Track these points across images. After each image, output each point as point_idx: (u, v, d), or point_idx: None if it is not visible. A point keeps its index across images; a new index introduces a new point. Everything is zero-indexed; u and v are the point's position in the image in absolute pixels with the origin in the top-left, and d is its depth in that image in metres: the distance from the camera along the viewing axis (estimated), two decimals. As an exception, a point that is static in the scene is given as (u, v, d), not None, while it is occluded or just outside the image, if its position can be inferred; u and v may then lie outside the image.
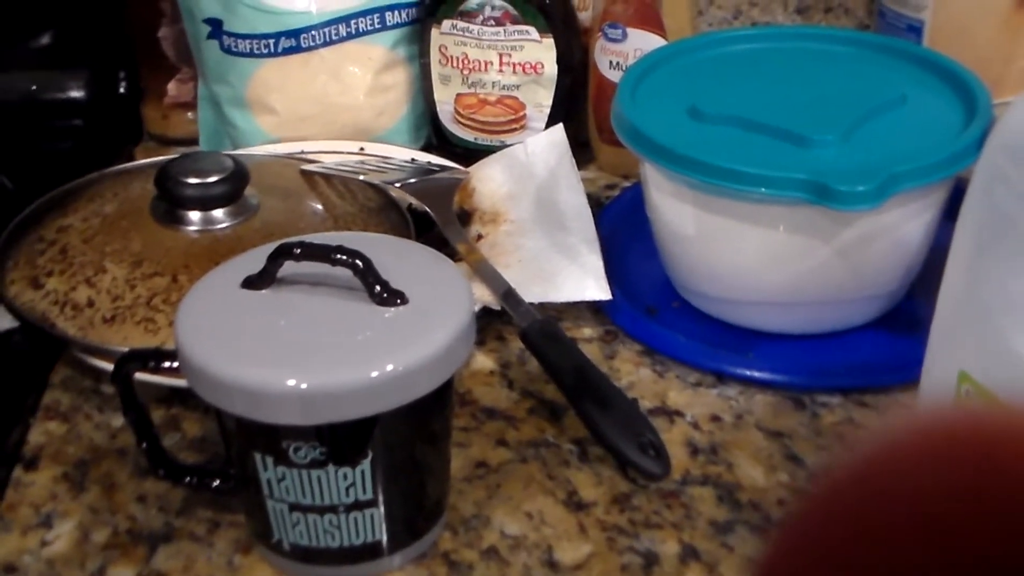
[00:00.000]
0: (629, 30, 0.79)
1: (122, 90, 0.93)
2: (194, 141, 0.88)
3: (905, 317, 0.68)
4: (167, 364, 0.53)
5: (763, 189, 0.59)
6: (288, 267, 0.52)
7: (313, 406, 0.48)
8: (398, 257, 0.53)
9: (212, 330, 0.50)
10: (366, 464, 0.50)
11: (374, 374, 0.48)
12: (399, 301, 0.51)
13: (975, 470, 0.19)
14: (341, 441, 0.49)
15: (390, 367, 0.48)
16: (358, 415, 0.49)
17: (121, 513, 0.58)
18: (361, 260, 0.50)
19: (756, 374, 0.64)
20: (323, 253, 0.50)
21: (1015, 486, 0.19)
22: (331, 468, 0.50)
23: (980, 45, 0.81)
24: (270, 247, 0.52)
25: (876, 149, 0.61)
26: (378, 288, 0.50)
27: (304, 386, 0.47)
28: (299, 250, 0.51)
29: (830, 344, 0.66)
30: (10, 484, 0.60)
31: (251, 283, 0.52)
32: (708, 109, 0.66)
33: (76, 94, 0.91)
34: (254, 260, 0.53)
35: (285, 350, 0.49)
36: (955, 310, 0.48)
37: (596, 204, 0.75)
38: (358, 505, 0.51)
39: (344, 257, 0.50)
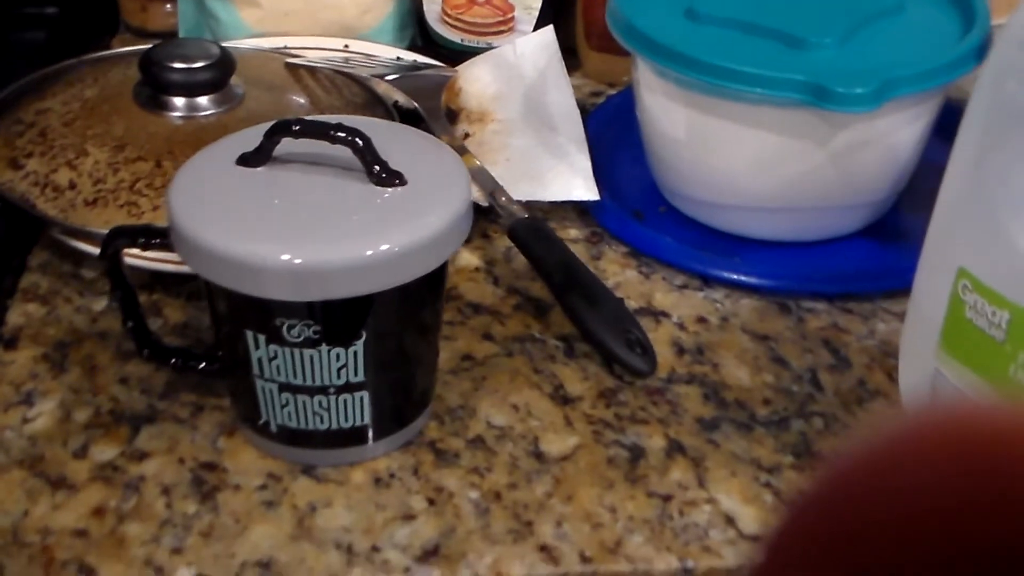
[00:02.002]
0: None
1: (98, -21, 0.91)
2: (173, 34, 0.86)
3: (891, 228, 0.68)
4: (156, 240, 0.53)
5: (760, 89, 0.59)
6: (284, 146, 0.51)
7: (307, 282, 0.47)
8: (396, 141, 0.52)
9: (206, 205, 0.49)
10: (359, 345, 0.49)
11: (369, 252, 0.47)
12: (397, 182, 0.50)
13: (971, 466, 0.19)
14: (335, 320, 0.49)
15: (385, 246, 0.47)
16: (352, 293, 0.48)
17: (103, 394, 0.57)
18: (361, 138, 0.49)
19: (742, 278, 0.64)
20: (322, 130, 0.50)
21: (1012, 481, 0.19)
22: (324, 348, 0.49)
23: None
24: (265, 126, 0.52)
25: (874, 54, 0.61)
26: (376, 168, 0.50)
27: (298, 261, 0.47)
28: (297, 127, 0.50)
29: (816, 251, 0.66)
30: (-11, 362, 0.59)
31: (246, 160, 0.51)
32: (705, 10, 0.65)
33: (50, -19, 0.88)
34: (249, 138, 0.52)
35: (281, 226, 0.48)
36: (956, 207, 0.48)
37: (582, 110, 0.74)
38: (348, 387, 0.51)
39: (343, 135, 0.49)
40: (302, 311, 0.48)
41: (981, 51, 0.61)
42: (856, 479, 0.20)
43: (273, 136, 0.50)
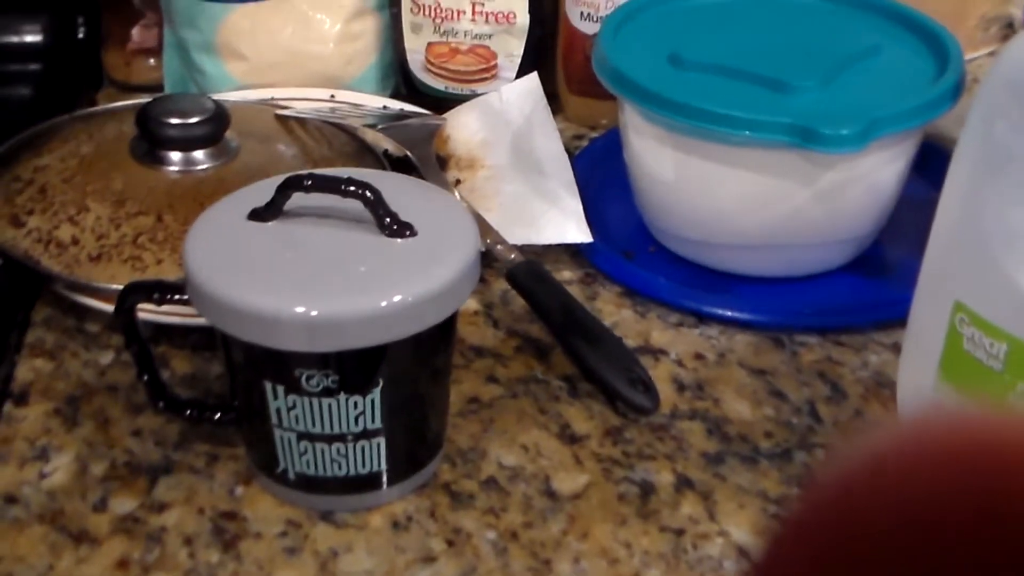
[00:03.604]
0: (600, -19, 0.80)
1: (81, 35, 0.92)
2: (158, 88, 0.87)
3: (875, 261, 0.70)
4: (171, 296, 0.54)
5: (748, 132, 0.61)
6: (294, 200, 0.52)
7: (323, 333, 0.49)
8: (404, 192, 0.54)
9: (222, 259, 0.51)
10: (376, 393, 0.51)
11: (384, 303, 0.49)
12: (408, 233, 0.51)
13: (970, 475, 0.19)
14: (352, 369, 0.50)
15: (398, 297, 0.49)
16: (368, 343, 0.49)
17: (118, 447, 0.58)
18: (371, 191, 0.51)
19: (736, 315, 0.66)
20: (334, 184, 0.51)
21: (1010, 491, 0.19)
22: (342, 396, 0.50)
23: (933, 7, 0.84)
24: (275, 180, 0.53)
25: (856, 96, 0.63)
26: (388, 220, 0.51)
27: (315, 313, 0.48)
28: (309, 181, 0.51)
29: (805, 287, 0.69)
30: (1, 419, 0.59)
31: (258, 215, 0.52)
32: (689, 56, 0.67)
33: (33, 39, 0.90)
34: (258, 193, 0.53)
35: (296, 278, 0.50)
36: (950, 243, 0.50)
37: (566, 153, 0.76)
38: (366, 434, 0.52)
39: (354, 188, 0.51)
40: (320, 361, 0.50)
41: (957, 90, 0.63)
42: (850, 493, 0.20)
43: (285, 191, 0.52)
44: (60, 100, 0.85)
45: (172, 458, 0.57)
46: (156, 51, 0.88)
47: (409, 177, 0.60)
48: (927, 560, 0.19)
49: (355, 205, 0.51)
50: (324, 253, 0.51)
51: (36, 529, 0.53)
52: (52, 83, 0.88)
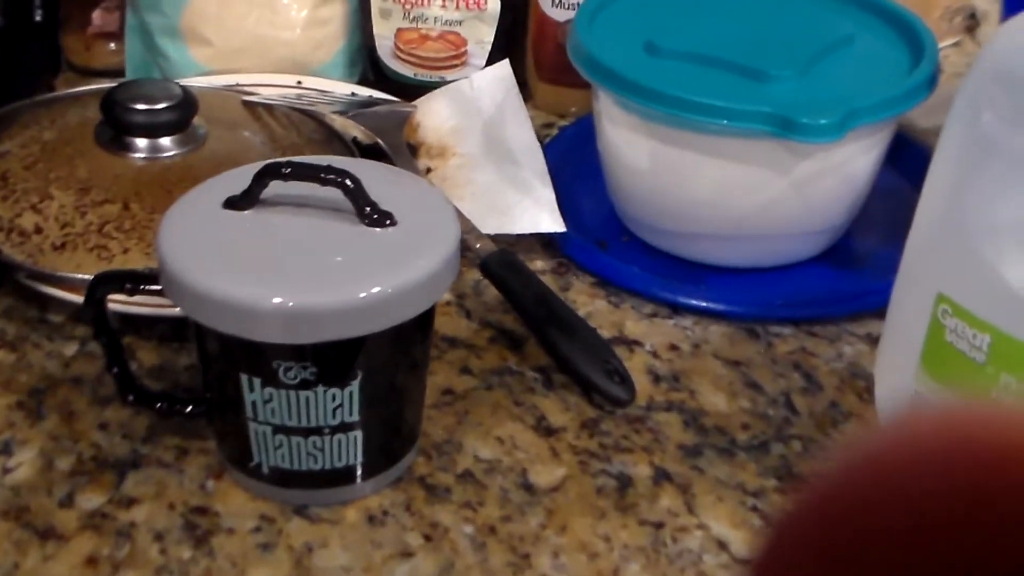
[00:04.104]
0: (570, -32, 0.79)
1: (38, 17, 0.89)
2: (118, 72, 0.86)
3: (846, 252, 0.70)
4: (143, 286, 0.52)
5: (726, 121, 0.61)
6: (271, 188, 0.51)
7: (301, 324, 0.48)
8: (383, 181, 0.53)
9: (197, 248, 0.49)
10: (355, 385, 0.50)
11: (361, 295, 0.48)
12: (388, 222, 0.50)
13: (969, 471, 0.19)
14: (331, 361, 0.49)
15: (377, 288, 0.48)
16: (346, 335, 0.48)
17: (84, 441, 0.57)
18: (351, 180, 0.50)
19: (711, 305, 0.65)
20: (313, 172, 0.50)
21: (1010, 486, 0.19)
22: (320, 388, 0.49)
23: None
24: (250, 168, 0.52)
25: (833, 85, 0.63)
26: (367, 209, 0.50)
27: (293, 303, 0.47)
28: (288, 169, 0.50)
29: (779, 276, 0.68)
30: (-36, 412, 0.58)
31: (233, 204, 0.51)
32: (664, 44, 0.66)
33: (-12, 21, 0.87)
34: (233, 181, 0.52)
35: (274, 268, 0.49)
36: (933, 234, 0.50)
37: (536, 142, 0.76)
38: (343, 427, 0.51)
39: (334, 176, 0.50)
40: (298, 353, 0.49)
41: (932, 81, 0.63)
42: (842, 493, 0.20)
43: (262, 179, 0.51)
44: (17, 85, 0.83)
45: (140, 452, 0.56)
46: (117, 35, 0.86)
47: (387, 165, 0.59)
48: (924, 557, 0.19)
49: (334, 194, 0.50)
50: (302, 243, 0.50)
51: (0, 526, 0.52)
52: (8, 67, 0.86)
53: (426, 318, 0.52)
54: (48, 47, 0.90)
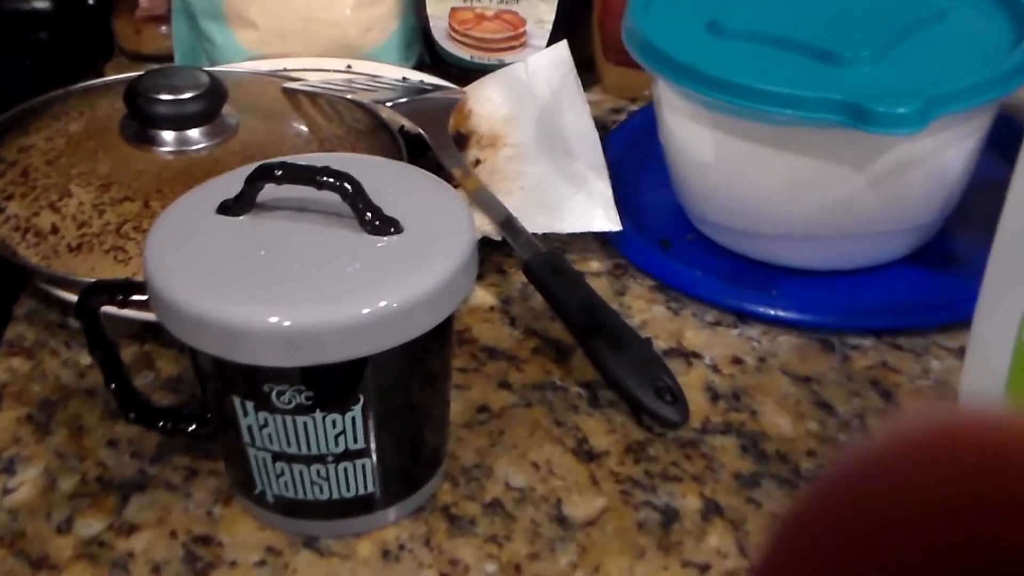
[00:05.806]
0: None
1: (91, 1, 0.86)
2: (169, 57, 0.82)
3: (940, 253, 0.63)
4: (136, 297, 0.48)
5: (791, 110, 0.54)
6: (269, 191, 0.46)
7: (297, 346, 0.43)
8: (391, 181, 0.48)
9: (185, 260, 0.45)
10: (357, 410, 0.45)
11: (365, 311, 0.43)
12: (392, 230, 0.45)
13: (979, 471, 0.19)
14: (328, 384, 0.44)
15: (383, 303, 0.43)
16: (347, 356, 0.43)
17: (90, 459, 0.53)
18: (350, 183, 0.45)
19: (780, 313, 0.59)
20: (307, 175, 0.45)
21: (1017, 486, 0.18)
22: (318, 414, 0.45)
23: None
24: (248, 169, 0.47)
25: (916, 68, 0.56)
26: (369, 215, 0.45)
27: (287, 323, 0.42)
28: (281, 171, 0.45)
29: (860, 281, 0.61)
30: (-33, 427, 0.55)
31: (227, 209, 0.47)
32: (729, 24, 0.60)
33: (41, 5, 0.84)
34: (230, 183, 0.48)
35: (266, 283, 0.44)
36: (1016, 249, 0.43)
37: (602, 129, 0.69)
38: (348, 455, 0.46)
39: (331, 179, 0.45)
40: (292, 376, 0.44)
41: (1035, 60, 0.56)
42: (852, 491, 0.20)
43: (255, 182, 0.46)
44: (68, 71, 0.80)
45: (148, 472, 0.52)
46: (166, 18, 0.83)
47: (399, 163, 0.54)
48: (929, 557, 0.19)
49: (336, 196, 0.45)
50: (299, 253, 0.45)
51: (-9, 554, 0.49)
52: (60, 53, 0.83)
53: (441, 329, 0.46)
54: (100, 32, 0.87)
